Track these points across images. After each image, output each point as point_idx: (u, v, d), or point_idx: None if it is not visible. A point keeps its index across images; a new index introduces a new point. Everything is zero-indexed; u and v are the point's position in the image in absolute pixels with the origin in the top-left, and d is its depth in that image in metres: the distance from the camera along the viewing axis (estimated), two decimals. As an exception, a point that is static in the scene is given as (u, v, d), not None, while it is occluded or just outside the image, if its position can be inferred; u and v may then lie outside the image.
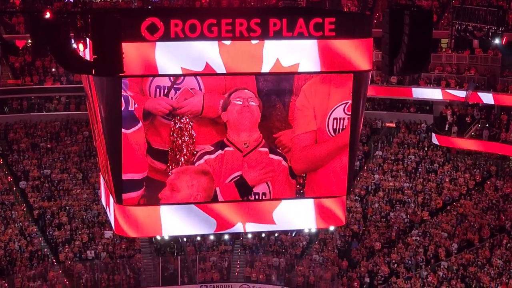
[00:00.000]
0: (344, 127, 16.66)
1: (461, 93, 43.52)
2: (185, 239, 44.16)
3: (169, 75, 15.67)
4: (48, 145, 48.48)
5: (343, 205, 18.08)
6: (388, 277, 40.61)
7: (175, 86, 15.87)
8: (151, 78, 15.68)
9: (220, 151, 16.57)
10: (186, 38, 15.28)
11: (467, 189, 43.97)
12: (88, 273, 42.48)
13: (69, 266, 42.68)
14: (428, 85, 45.33)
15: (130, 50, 14.71)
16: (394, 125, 49.17)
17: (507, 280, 36.53)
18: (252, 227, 17.81)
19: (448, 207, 43.45)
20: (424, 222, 43.32)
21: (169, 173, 16.57)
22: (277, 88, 16.24)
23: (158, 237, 41.41)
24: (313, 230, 40.97)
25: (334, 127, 16.65)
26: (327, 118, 16.55)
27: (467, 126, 44.40)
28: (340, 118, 16.58)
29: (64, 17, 14.08)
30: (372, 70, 16.95)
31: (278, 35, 15.61)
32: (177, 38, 15.26)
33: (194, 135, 16.33)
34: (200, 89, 15.97)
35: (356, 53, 15.98)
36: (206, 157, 16.55)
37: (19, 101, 49.16)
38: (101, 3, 50.45)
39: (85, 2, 49.18)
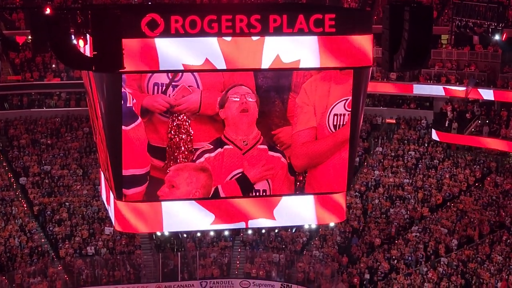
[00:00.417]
0: (344, 123, 16.67)
1: (461, 89, 43.52)
2: (185, 235, 44.19)
3: (169, 71, 15.67)
4: (48, 141, 48.48)
5: (343, 201, 18.09)
6: (388, 273, 40.64)
7: (173, 83, 15.86)
8: (149, 75, 15.66)
9: (219, 149, 16.57)
10: (186, 34, 15.28)
11: (467, 185, 43.99)
12: (88, 269, 42.53)
13: (69, 262, 42.70)
14: (428, 81, 45.33)
15: (130, 46, 14.70)
16: (394, 121, 49.16)
17: (507, 276, 36.54)
18: (252, 223, 17.82)
19: (448, 203, 43.47)
20: (424, 218, 43.35)
21: (167, 171, 16.57)
22: (276, 85, 16.24)
23: (159, 233, 41.56)
24: (313, 226, 41.21)
25: (335, 123, 16.65)
26: (328, 114, 16.56)
27: (467, 122, 44.40)
28: (340, 114, 16.59)
29: (64, 13, 14.07)
30: (372, 66, 16.93)
31: (278, 31, 15.61)
32: (177, 34, 15.26)
33: (192, 132, 16.32)
34: (198, 87, 15.96)
35: (357, 49, 15.97)
36: (206, 155, 16.54)
37: (19, 97, 49.14)
38: (101, -1, 50.43)
39: (85, -2, 49.22)
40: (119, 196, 16.79)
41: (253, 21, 15.48)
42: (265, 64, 15.76)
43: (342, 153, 16.99)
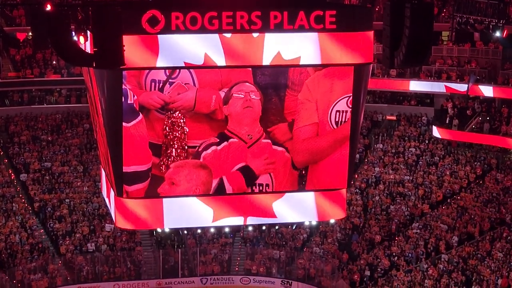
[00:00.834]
0: (346, 120, 16.64)
1: (462, 86, 43.53)
2: (185, 232, 44.25)
3: (170, 68, 15.65)
4: (49, 138, 48.52)
5: (343, 198, 18.09)
6: (389, 270, 40.68)
7: (170, 80, 15.84)
8: (147, 71, 15.64)
9: (225, 143, 16.56)
10: (187, 31, 15.26)
11: (468, 182, 44.02)
12: (88, 265, 42.57)
13: (69, 258, 42.74)
14: (429, 78, 45.33)
15: (131, 43, 14.69)
16: (395, 118, 49.17)
17: (507, 273, 36.56)
18: (252, 220, 17.82)
19: (449, 200, 43.50)
20: (424, 215, 43.39)
21: (161, 168, 16.55)
22: (273, 82, 16.21)
23: (159, 230, 41.62)
24: (314, 223, 41.29)
25: (337, 120, 16.63)
26: (330, 111, 16.53)
27: (467, 119, 44.42)
28: (342, 111, 16.56)
29: (65, 9, 14.05)
30: (373, 63, 16.92)
31: (278, 28, 15.59)
32: (177, 31, 15.23)
33: (187, 130, 16.29)
34: (194, 84, 15.92)
35: (357, 46, 15.96)
36: (213, 147, 16.54)
37: (20, 94, 49.16)
38: (102, -4, 50.37)
39: (85, -5, 49.14)
40: (119, 193, 16.78)
41: (254, 17, 15.46)
42: (266, 61, 15.74)
43: (343, 149, 16.98)
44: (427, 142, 47.13)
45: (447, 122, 44.82)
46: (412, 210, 43.80)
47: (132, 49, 14.74)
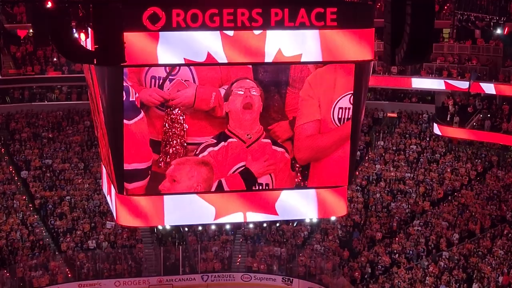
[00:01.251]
0: (349, 117, 16.65)
1: (463, 83, 43.51)
2: (186, 229, 44.24)
3: (171, 65, 15.65)
4: (50, 135, 48.51)
5: (344, 195, 18.09)
6: (389, 267, 40.67)
7: (170, 77, 15.83)
8: (147, 68, 15.65)
9: (223, 143, 16.55)
10: (187, 28, 15.26)
11: (469, 179, 44.01)
12: (89, 262, 42.57)
13: (70, 255, 42.75)
14: (430, 75, 45.30)
15: (132, 40, 14.68)
16: (396, 115, 49.16)
17: (508, 270, 36.55)
18: (253, 217, 17.83)
19: (450, 197, 43.49)
20: (425, 212, 43.37)
21: (160, 164, 16.55)
22: (274, 80, 16.21)
23: (160, 227, 41.60)
24: (315, 220, 41.27)
25: (339, 117, 16.63)
26: (332, 108, 16.53)
27: (468, 116, 44.38)
28: (345, 108, 16.56)
29: (66, 6, 14.04)
30: (374, 60, 16.92)
31: (279, 25, 15.59)
32: (178, 28, 15.23)
33: (186, 127, 16.28)
34: (194, 81, 15.92)
35: (358, 43, 15.96)
36: (210, 149, 16.54)
37: (21, 91, 49.13)
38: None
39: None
40: (120, 190, 16.80)
41: (255, 14, 15.47)
42: (268, 58, 15.74)
43: (344, 147, 16.99)
44: (428, 139, 47.12)
45: (448, 119, 44.79)
46: (413, 207, 43.79)
47: (133, 46, 14.74)
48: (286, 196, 17.47)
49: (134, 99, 15.76)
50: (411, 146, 47.16)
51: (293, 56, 15.86)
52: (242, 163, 16.80)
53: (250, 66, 15.97)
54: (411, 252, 40.85)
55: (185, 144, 16.43)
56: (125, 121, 15.87)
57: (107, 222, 44.08)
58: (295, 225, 45.09)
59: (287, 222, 44.17)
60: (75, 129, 49.01)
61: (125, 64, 14.17)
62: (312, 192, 17.61)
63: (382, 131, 48.79)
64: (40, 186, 45.76)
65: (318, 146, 16.86)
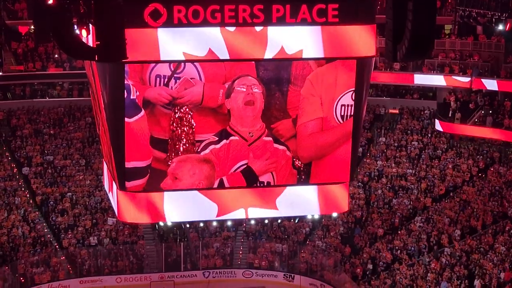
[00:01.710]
0: (351, 114, 16.64)
1: (464, 79, 43.50)
2: (188, 226, 44.23)
3: (172, 61, 15.62)
4: (51, 131, 48.51)
5: (346, 191, 18.08)
6: (391, 263, 40.67)
7: (175, 75, 15.81)
8: (151, 67, 15.61)
9: (225, 141, 16.53)
10: (189, 24, 15.24)
11: (470, 176, 43.99)
12: (91, 259, 42.58)
13: (72, 252, 42.77)
14: (432, 71, 45.27)
15: (133, 36, 14.65)
16: (398, 111, 49.14)
17: (510, 267, 36.54)
18: (255, 213, 17.82)
19: (451, 194, 43.48)
20: (427, 208, 43.37)
21: (168, 163, 16.54)
22: (276, 77, 16.18)
23: (161, 224, 41.61)
24: (316, 216, 41.27)
25: (342, 114, 16.61)
26: (335, 105, 16.51)
27: (470, 112, 44.37)
28: (348, 105, 16.55)
29: (67, 2, 14.02)
30: (375, 56, 16.90)
31: (281, 21, 15.57)
32: (180, 24, 15.21)
33: (194, 124, 16.28)
34: (200, 79, 15.91)
35: (360, 39, 15.94)
36: (212, 147, 16.51)
37: (22, 87, 49.14)
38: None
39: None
40: (122, 187, 16.79)
41: (256, 11, 15.45)
42: (269, 54, 15.72)
43: (346, 144, 16.97)
44: (429, 135, 47.09)
45: (449, 115, 44.78)
46: (414, 203, 43.78)
47: (134, 42, 14.71)
48: (288, 192, 17.47)
49: (135, 97, 15.75)
50: (412, 143, 47.14)
51: (294, 53, 15.84)
52: (244, 161, 16.79)
53: (253, 62, 15.95)
54: (412, 248, 40.85)
55: (194, 141, 16.43)
56: (126, 119, 15.86)
57: (108, 218, 44.10)
58: (296, 221, 45.09)
59: (288, 218, 44.15)
60: (77, 126, 49.02)
61: (126, 60, 14.14)
62: (314, 188, 17.61)
63: (384, 128, 48.77)
64: (41, 183, 45.78)
65: (321, 144, 16.84)
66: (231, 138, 16.52)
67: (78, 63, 44.72)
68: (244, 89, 16.12)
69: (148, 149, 16.32)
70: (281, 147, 16.78)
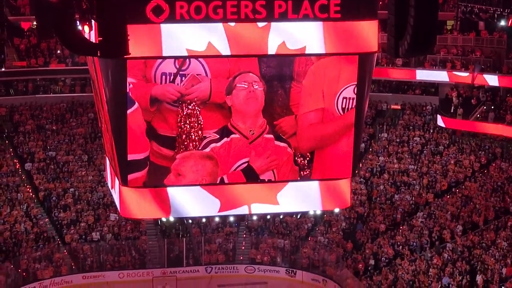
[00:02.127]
0: (352, 106, 16.63)
1: (466, 75, 43.49)
2: (190, 221, 44.25)
3: (174, 57, 15.62)
4: (54, 127, 48.57)
5: (348, 187, 18.09)
6: (393, 259, 40.70)
7: (180, 72, 15.81)
8: (156, 65, 15.61)
9: (226, 139, 16.54)
10: (191, 20, 15.24)
11: (472, 171, 44.00)
12: (93, 254, 42.64)
13: (74, 247, 42.83)
14: (434, 67, 45.27)
15: (135, 32, 14.67)
16: (400, 107, 49.14)
17: (511, 262, 36.57)
18: (257, 209, 17.83)
19: (453, 189, 43.50)
20: (429, 204, 43.39)
21: (175, 158, 16.55)
22: (279, 74, 16.16)
23: (164, 219, 41.60)
24: (318, 212, 41.23)
25: (343, 106, 16.59)
26: (336, 97, 16.50)
27: (472, 108, 44.38)
28: (349, 98, 16.53)
29: (70, -1, 14.05)
30: (378, 52, 16.89)
31: (283, 17, 15.55)
32: (182, 20, 15.21)
33: (202, 121, 16.29)
34: (207, 75, 15.91)
35: (362, 34, 15.93)
36: (212, 145, 16.52)
37: (25, 83, 49.20)
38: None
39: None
40: (124, 182, 16.81)
41: (258, 7, 15.43)
42: (271, 50, 15.71)
43: (347, 138, 16.96)
44: (431, 131, 47.11)
45: (451, 111, 44.80)
46: (416, 199, 43.81)
47: (136, 38, 14.72)
48: (290, 188, 17.47)
49: (128, 91, 15.74)
50: (414, 138, 47.16)
51: (297, 49, 15.84)
52: (245, 160, 16.79)
53: (256, 59, 15.95)
54: (414, 244, 40.87)
55: (203, 137, 16.44)
56: None
57: (111, 214, 44.16)
58: (298, 217, 45.11)
59: (290, 214, 44.16)
60: (79, 121, 49.06)
61: (128, 56, 14.16)
62: (315, 184, 17.60)
63: (386, 123, 48.79)
64: (44, 178, 45.83)
65: (321, 135, 16.82)
66: (232, 136, 16.51)
67: (81, 59, 44.78)
68: (246, 86, 16.13)
69: (145, 141, 16.31)
70: (282, 144, 16.77)
